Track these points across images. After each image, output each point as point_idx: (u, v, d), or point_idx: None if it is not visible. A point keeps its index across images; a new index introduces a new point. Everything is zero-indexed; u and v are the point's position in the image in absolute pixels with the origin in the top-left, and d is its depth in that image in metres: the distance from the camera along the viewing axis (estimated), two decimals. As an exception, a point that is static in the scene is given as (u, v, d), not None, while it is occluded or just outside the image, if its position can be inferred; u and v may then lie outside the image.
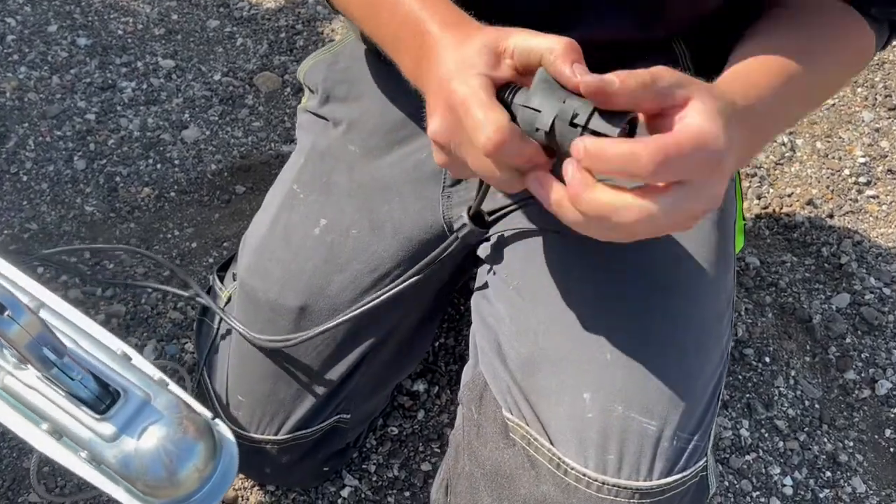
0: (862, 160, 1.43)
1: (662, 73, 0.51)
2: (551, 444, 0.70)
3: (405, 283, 0.79)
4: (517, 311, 0.77)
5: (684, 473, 0.70)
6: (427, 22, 0.62)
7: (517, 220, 0.83)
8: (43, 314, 0.64)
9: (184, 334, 1.17)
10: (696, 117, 0.50)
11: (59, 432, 0.60)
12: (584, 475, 0.68)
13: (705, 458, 0.73)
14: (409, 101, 0.90)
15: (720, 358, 0.77)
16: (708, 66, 0.85)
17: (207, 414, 0.65)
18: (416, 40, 0.63)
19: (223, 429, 0.65)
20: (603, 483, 0.67)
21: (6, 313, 0.53)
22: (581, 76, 0.52)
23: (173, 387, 0.64)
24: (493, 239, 0.85)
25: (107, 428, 0.59)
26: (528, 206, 0.83)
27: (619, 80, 0.49)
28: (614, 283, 0.74)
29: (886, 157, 1.43)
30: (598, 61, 0.80)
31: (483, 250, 0.87)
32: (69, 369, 0.58)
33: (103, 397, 0.60)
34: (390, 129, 0.90)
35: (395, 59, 0.68)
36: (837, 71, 0.76)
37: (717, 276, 0.78)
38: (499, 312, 0.79)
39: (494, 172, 0.56)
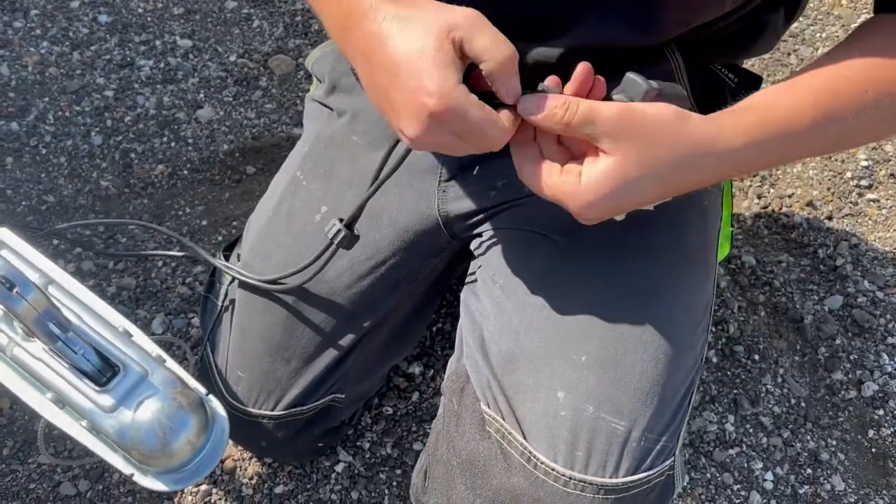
0: (865, 163, 1.43)
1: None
2: (524, 438, 0.73)
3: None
4: (501, 310, 0.80)
5: (650, 472, 0.73)
6: None
7: (507, 220, 0.86)
8: (51, 290, 0.68)
9: (191, 309, 1.21)
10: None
11: (62, 401, 0.65)
12: (553, 469, 0.71)
13: (673, 458, 0.76)
14: None
15: (693, 363, 0.80)
16: (701, 71, 0.87)
17: (201, 390, 0.69)
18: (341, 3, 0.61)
19: (216, 404, 0.69)
20: (570, 478, 0.71)
21: (15, 290, 0.57)
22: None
23: (170, 363, 0.68)
24: (485, 236, 0.88)
25: (106, 400, 0.63)
26: (519, 207, 0.85)
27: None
28: (595, 289, 0.77)
29: (889, 160, 1.44)
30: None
31: (475, 246, 0.89)
32: (73, 343, 0.62)
33: (104, 370, 0.64)
34: None
35: (316, 12, 0.66)
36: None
37: (696, 285, 0.81)
38: (485, 308, 0.82)
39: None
